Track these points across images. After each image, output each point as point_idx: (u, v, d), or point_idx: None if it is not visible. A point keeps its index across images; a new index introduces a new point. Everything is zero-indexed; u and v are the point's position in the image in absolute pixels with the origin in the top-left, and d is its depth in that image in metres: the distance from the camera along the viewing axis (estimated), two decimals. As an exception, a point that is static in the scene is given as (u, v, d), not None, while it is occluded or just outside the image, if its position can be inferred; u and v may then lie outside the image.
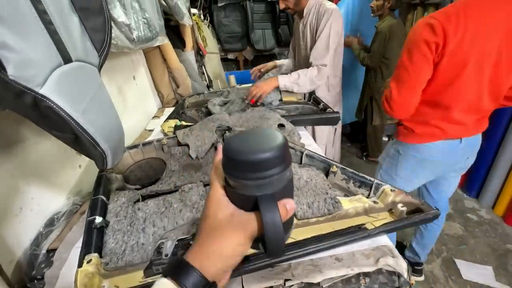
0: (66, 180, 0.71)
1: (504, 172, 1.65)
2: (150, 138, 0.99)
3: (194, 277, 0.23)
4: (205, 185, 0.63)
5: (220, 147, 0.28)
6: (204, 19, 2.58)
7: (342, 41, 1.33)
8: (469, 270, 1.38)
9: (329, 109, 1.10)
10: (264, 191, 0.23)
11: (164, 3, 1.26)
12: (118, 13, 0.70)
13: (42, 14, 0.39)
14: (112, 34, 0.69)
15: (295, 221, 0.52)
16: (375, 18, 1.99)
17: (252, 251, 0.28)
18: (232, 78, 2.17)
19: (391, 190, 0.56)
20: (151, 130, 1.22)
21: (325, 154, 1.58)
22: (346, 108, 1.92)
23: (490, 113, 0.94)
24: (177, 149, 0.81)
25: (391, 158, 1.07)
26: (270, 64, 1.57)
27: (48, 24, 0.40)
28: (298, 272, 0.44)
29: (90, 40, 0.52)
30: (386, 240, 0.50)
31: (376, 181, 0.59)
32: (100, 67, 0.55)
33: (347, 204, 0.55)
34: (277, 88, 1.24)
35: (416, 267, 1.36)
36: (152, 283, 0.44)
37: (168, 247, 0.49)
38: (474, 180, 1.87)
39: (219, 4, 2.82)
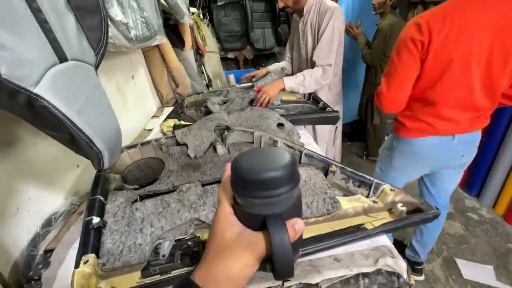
0: (64, 180, 0.71)
1: (505, 171, 1.65)
2: (149, 138, 0.99)
3: None
4: (203, 185, 0.62)
5: (229, 165, 0.28)
6: (204, 18, 2.58)
7: (343, 40, 1.32)
8: (469, 270, 1.38)
9: (329, 108, 1.10)
10: (273, 210, 0.23)
11: (164, 2, 1.26)
12: (115, 12, 0.69)
13: (37, 12, 0.39)
14: (109, 33, 0.69)
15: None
16: (376, 16, 1.98)
17: None
18: (232, 77, 2.16)
19: (390, 190, 0.55)
20: (150, 130, 1.22)
21: (326, 153, 1.59)
22: (346, 107, 1.91)
23: (489, 112, 0.93)
24: (175, 149, 0.80)
25: (388, 150, 1.12)
26: (263, 71, 1.54)
27: (43, 22, 0.39)
28: (297, 272, 0.43)
29: (87, 39, 0.52)
30: (385, 240, 0.50)
31: (375, 180, 0.58)
32: (97, 66, 0.55)
33: (346, 204, 0.54)
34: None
35: (416, 267, 1.36)
36: (148, 284, 0.44)
37: (166, 248, 0.48)
38: (474, 179, 1.87)
39: (219, 3, 2.81)
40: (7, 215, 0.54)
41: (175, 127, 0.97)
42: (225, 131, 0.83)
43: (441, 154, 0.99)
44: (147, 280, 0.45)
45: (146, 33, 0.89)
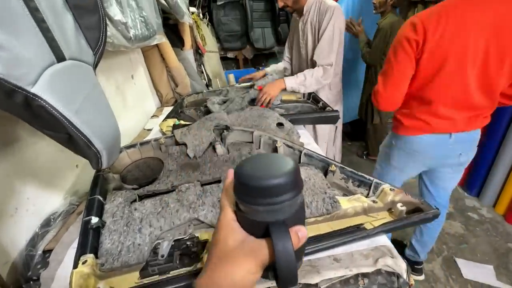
0: (63, 180, 0.71)
1: (505, 170, 1.64)
2: (148, 138, 0.99)
3: None
4: (202, 185, 0.62)
5: (231, 171, 0.28)
6: (203, 18, 2.57)
7: (343, 39, 1.32)
8: (470, 269, 1.37)
9: (329, 107, 1.09)
10: (276, 217, 0.23)
11: (163, 2, 1.25)
12: (114, 11, 0.69)
13: (34, 11, 0.38)
14: (108, 33, 0.68)
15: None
16: (375, 15, 1.97)
17: None
18: (232, 77, 2.16)
19: (390, 190, 0.55)
20: (150, 130, 1.22)
21: (326, 153, 1.59)
22: (346, 107, 1.90)
23: (488, 111, 0.93)
24: (174, 149, 0.80)
25: (387, 148, 1.13)
26: (260, 73, 1.53)
27: (40, 22, 0.39)
28: (296, 273, 0.43)
29: (85, 39, 0.51)
30: (385, 240, 0.49)
31: (375, 180, 0.58)
32: (95, 66, 0.55)
33: (346, 203, 0.54)
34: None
35: (416, 266, 1.36)
36: (147, 284, 0.44)
37: (165, 248, 0.48)
38: (475, 179, 1.86)
39: (218, 3, 2.81)
40: (5, 215, 0.53)
41: (175, 126, 0.97)
42: (225, 130, 0.83)
43: (438, 152, 1.00)
44: (146, 281, 0.45)
45: (145, 32, 0.89)
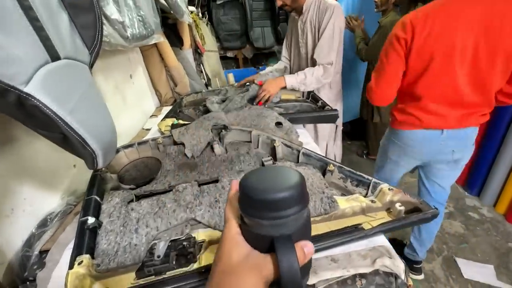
0: (60, 180, 0.70)
1: (506, 170, 1.64)
2: (147, 137, 0.98)
3: None
4: (199, 185, 0.62)
5: (235, 182, 0.28)
6: (203, 17, 2.57)
7: (343, 38, 1.31)
8: (470, 269, 1.37)
9: (328, 106, 1.09)
10: (281, 232, 0.22)
11: (163, 1, 1.25)
12: (111, 10, 0.69)
13: (28, 10, 0.38)
14: (105, 32, 0.68)
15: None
16: (376, 14, 1.96)
17: None
18: (231, 76, 2.15)
19: (389, 189, 0.55)
20: (149, 129, 1.21)
21: (327, 152, 1.58)
22: (346, 106, 1.89)
23: (484, 109, 0.93)
24: (172, 148, 0.80)
25: (385, 141, 1.17)
26: (256, 76, 1.52)
27: (33, 20, 0.39)
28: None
29: (80, 38, 0.51)
30: (383, 241, 0.49)
31: (373, 180, 0.58)
32: (91, 65, 0.54)
33: (344, 203, 0.54)
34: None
35: (415, 266, 1.35)
36: (143, 285, 0.43)
37: (161, 248, 0.48)
38: (475, 178, 1.86)
39: (218, 2, 2.80)
40: (1, 216, 0.53)
41: (173, 126, 0.97)
42: (223, 130, 0.83)
43: (430, 148, 1.02)
44: (142, 281, 0.44)
45: (143, 31, 0.89)
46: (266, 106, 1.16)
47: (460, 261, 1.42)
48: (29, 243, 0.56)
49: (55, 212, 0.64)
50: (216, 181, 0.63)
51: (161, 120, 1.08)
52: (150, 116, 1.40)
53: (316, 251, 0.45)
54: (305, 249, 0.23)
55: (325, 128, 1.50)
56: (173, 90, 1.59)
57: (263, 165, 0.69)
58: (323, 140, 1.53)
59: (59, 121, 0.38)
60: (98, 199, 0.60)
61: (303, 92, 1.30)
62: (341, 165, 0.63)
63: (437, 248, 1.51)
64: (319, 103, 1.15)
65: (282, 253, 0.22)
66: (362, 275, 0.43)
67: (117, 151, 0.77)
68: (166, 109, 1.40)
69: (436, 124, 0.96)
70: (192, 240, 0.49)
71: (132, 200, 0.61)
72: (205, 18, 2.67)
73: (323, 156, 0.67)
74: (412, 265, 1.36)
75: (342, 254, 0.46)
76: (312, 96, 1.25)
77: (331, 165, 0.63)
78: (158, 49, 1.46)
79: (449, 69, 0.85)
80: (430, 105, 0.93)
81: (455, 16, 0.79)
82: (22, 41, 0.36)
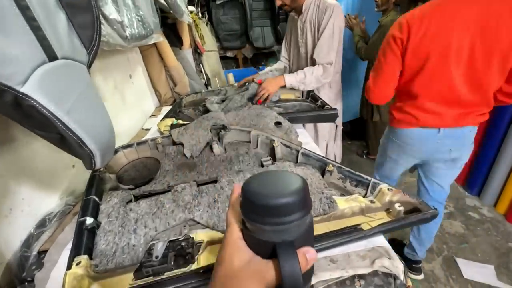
0: (59, 180, 0.70)
1: (506, 169, 1.63)
2: (146, 137, 0.98)
3: None
4: (198, 185, 0.62)
5: (237, 185, 0.28)
6: (203, 17, 2.56)
7: (342, 37, 1.31)
8: (470, 269, 1.36)
9: (327, 106, 1.09)
10: (283, 238, 0.22)
11: (162, 1, 1.24)
12: (109, 10, 0.69)
13: (24, 9, 0.38)
14: (103, 32, 0.68)
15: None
16: (376, 13, 1.96)
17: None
18: (231, 76, 2.15)
19: (388, 189, 0.54)
20: (148, 129, 1.21)
21: (327, 152, 1.58)
22: (346, 106, 1.89)
23: (482, 108, 0.94)
24: (171, 148, 0.80)
25: (385, 139, 1.19)
26: (255, 76, 1.52)
27: (30, 20, 0.38)
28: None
29: (78, 37, 0.51)
30: (382, 241, 0.49)
31: (373, 180, 0.58)
32: (89, 65, 0.54)
33: (343, 203, 0.54)
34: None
35: (414, 265, 1.35)
36: (141, 286, 0.43)
37: (159, 249, 0.48)
38: (475, 178, 1.85)
39: (218, 2, 2.80)
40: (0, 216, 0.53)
41: (173, 126, 0.96)
42: (222, 130, 0.82)
43: (427, 146, 1.03)
44: (140, 282, 0.44)
45: (142, 31, 0.88)
46: (265, 105, 1.15)
47: (460, 261, 1.41)
48: (28, 243, 0.56)
49: (54, 213, 0.64)
50: (215, 181, 0.63)
51: (161, 120, 1.07)
52: (150, 116, 1.39)
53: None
54: (307, 255, 0.23)
55: (325, 128, 1.50)
56: (173, 90, 1.59)
57: (262, 165, 0.69)
58: (323, 140, 1.53)
59: (56, 121, 0.38)
60: (97, 199, 0.60)
61: (302, 92, 1.30)
62: (340, 165, 0.62)
63: (437, 248, 1.51)
64: (319, 103, 1.14)
65: (284, 259, 0.22)
66: (361, 276, 0.42)
67: (116, 151, 0.77)
68: (166, 109, 1.40)
69: (433, 123, 0.96)
70: (190, 240, 0.49)
71: (130, 201, 0.61)
72: (205, 18, 2.67)
73: (322, 156, 0.66)
74: (411, 265, 1.35)
75: (341, 255, 0.46)
76: (311, 96, 1.25)
77: (330, 165, 0.62)
78: (157, 49, 1.46)
79: (444, 69, 0.86)
80: (427, 103, 0.94)
81: (451, 16, 0.80)
82: (19, 41, 0.36)
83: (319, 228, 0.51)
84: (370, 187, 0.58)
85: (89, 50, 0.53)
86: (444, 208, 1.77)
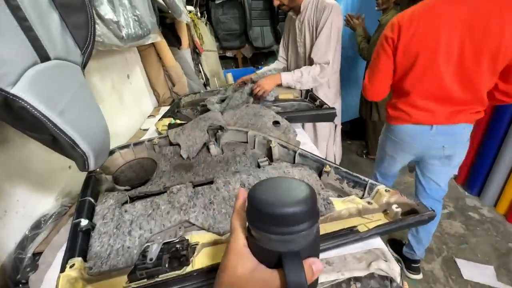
0: (55, 181, 0.70)
1: (507, 169, 1.62)
2: (144, 138, 0.98)
3: None
4: (194, 186, 0.61)
5: (242, 190, 0.27)
6: (202, 17, 2.56)
7: (341, 37, 1.30)
8: (470, 270, 1.36)
9: (326, 105, 1.08)
10: (289, 248, 0.22)
11: (161, 0, 1.24)
12: (105, 10, 0.68)
13: (15, 10, 0.37)
14: (99, 32, 0.67)
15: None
16: (375, 13, 1.95)
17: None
18: (230, 76, 2.15)
19: (385, 191, 0.54)
20: (146, 129, 1.21)
21: (327, 152, 1.57)
22: (346, 106, 1.88)
23: (476, 107, 0.94)
24: (168, 149, 0.79)
25: (383, 135, 1.22)
26: (253, 75, 1.52)
27: (21, 20, 0.38)
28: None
29: (72, 38, 0.50)
30: (379, 243, 0.48)
31: (370, 181, 0.57)
32: (84, 65, 0.54)
33: (340, 205, 0.53)
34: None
35: (413, 265, 1.34)
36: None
37: (153, 251, 0.47)
38: (476, 178, 1.84)
39: (217, 1, 2.79)
40: (-6, 218, 0.53)
41: (170, 126, 0.96)
42: (219, 130, 0.82)
43: (420, 143, 1.05)
44: (134, 285, 0.44)
45: (139, 31, 0.88)
46: (263, 104, 1.15)
47: (460, 262, 1.41)
48: (22, 245, 0.56)
49: (49, 214, 0.63)
50: (211, 182, 0.63)
51: (159, 120, 1.07)
52: (148, 116, 1.39)
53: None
54: (313, 266, 0.22)
55: (324, 128, 1.49)
56: (171, 90, 1.58)
57: (258, 166, 0.69)
58: (322, 140, 1.52)
59: (48, 122, 0.37)
60: (92, 200, 0.59)
61: (301, 91, 1.29)
62: (338, 166, 0.62)
63: (437, 249, 1.50)
64: (317, 102, 1.14)
65: (290, 270, 0.21)
66: (357, 279, 0.42)
67: (113, 152, 0.77)
68: (164, 109, 1.40)
69: (425, 120, 0.99)
70: (185, 242, 0.49)
71: (126, 202, 0.60)
72: (204, 17, 2.67)
73: (319, 157, 0.66)
74: (410, 264, 1.35)
75: (337, 257, 0.45)
76: (310, 96, 1.25)
77: (327, 166, 0.62)
78: (155, 48, 1.46)
79: (433, 66, 0.88)
80: (418, 101, 0.96)
81: (440, 16, 0.83)
82: (10, 42, 0.36)
83: (316, 230, 0.50)
84: (367, 188, 0.57)
85: (83, 51, 0.52)
86: (444, 208, 1.78)
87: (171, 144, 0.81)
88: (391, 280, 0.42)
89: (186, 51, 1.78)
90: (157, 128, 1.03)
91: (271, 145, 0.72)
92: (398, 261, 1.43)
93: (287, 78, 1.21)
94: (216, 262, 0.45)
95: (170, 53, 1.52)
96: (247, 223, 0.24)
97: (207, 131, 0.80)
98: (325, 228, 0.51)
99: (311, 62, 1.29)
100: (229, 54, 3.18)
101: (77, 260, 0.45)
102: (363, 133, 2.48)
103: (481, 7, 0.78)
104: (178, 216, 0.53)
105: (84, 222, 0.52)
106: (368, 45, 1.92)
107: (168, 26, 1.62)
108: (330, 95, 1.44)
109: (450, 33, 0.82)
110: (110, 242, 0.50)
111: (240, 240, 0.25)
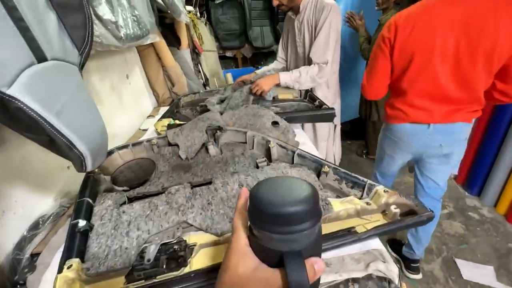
0: (54, 182, 0.70)
1: (507, 169, 1.62)
2: (143, 138, 0.98)
3: None
4: (192, 187, 0.61)
5: (244, 190, 0.27)
6: (201, 17, 2.56)
7: (340, 37, 1.30)
8: (469, 270, 1.36)
9: (325, 106, 1.08)
10: (291, 247, 0.22)
11: (160, 1, 1.24)
12: (103, 10, 0.68)
13: (12, 10, 0.37)
14: (97, 32, 0.67)
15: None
16: (375, 13, 1.94)
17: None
18: (229, 76, 2.14)
19: (384, 191, 0.54)
20: (145, 130, 1.21)
21: (326, 152, 1.57)
22: (346, 106, 1.88)
23: (473, 106, 0.95)
24: (167, 149, 0.79)
25: (381, 135, 1.23)
26: (251, 76, 1.51)
27: (18, 21, 0.38)
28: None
29: (70, 38, 0.50)
30: (377, 244, 0.48)
31: (369, 181, 0.57)
32: (82, 66, 0.54)
33: (338, 205, 0.53)
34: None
35: (412, 264, 1.34)
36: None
37: (151, 252, 0.47)
38: (476, 178, 1.84)
39: (217, 1, 2.79)
40: (-8, 218, 0.53)
41: (169, 126, 0.96)
42: (218, 131, 0.82)
43: (418, 141, 1.06)
44: (132, 286, 0.44)
45: (138, 32, 0.88)
46: (263, 105, 1.15)
47: (460, 262, 1.40)
48: (20, 246, 0.56)
49: (48, 214, 0.63)
50: (209, 183, 0.63)
51: (158, 120, 1.07)
52: (147, 117, 1.39)
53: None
54: (315, 266, 0.22)
55: (323, 128, 1.49)
56: (171, 90, 1.58)
57: (257, 166, 0.68)
58: (322, 140, 1.52)
59: (44, 123, 0.37)
60: (91, 201, 0.59)
61: (300, 92, 1.29)
62: (336, 167, 0.62)
63: (437, 249, 1.50)
64: (316, 103, 1.14)
65: (292, 269, 0.21)
66: (355, 280, 0.42)
67: (111, 152, 0.77)
68: (164, 109, 1.40)
69: (422, 118, 1.00)
70: (183, 243, 0.49)
71: (124, 203, 0.60)
72: (204, 17, 2.66)
73: (318, 157, 0.66)
74: (409, 264, 1.35)
75: (335, 258, 0.45)
76: (309, 96, 1.24)
77: (326, 166, 0.62)
78: (155, 49, 1.46)
79: (429, 66, 0.89)
80: (415, 100, 0.98)
81: (435, 16, 0.84)
82: (6, 42, 0.36)
83: (314, 231, 0.50)
84: (366, 188, 0.57)
85: (81, 51, 0.52)
86: (444, 209, 1.77)
87: (169, 144, 0.81)
88: (389, 281, 0.42)
89: (185, 51, 1.78)
90: (156, 129, 1.03)
91: (269, 145, 0.72)
92: (397, 261, 1.43)
93: (285, 78, 1.21)
94: (214, 263, 0.45)
95: (170, 53, 1.52)
96: (248, 223, 0.24)
97: (205, 131, 0.80)
98: (323, 228, 0.51)
99: (310, 62, 1.29)
100: (228, 54, 3.18)
101: (75, 261, 0.45)
102: (363, 133, 2.48)
103: (476, 8, 0.79)
104: (176, 217, 0.53)
105: (82, 223, 0.52)
106: (369, 46, 1.91)
107: (167, 26, 1.62)
108: (329, 95, 1.43)
109: (445, 33, 0.83)
110: (108, 243, 0.50)
111: (241, 240, 0.25)
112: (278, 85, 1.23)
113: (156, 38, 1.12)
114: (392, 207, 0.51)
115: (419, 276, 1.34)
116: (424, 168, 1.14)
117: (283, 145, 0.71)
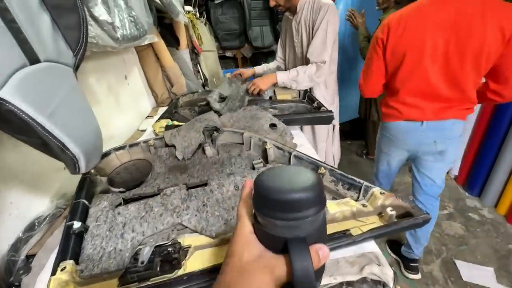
0: (50, 183, 0.70)
1: (507, 170, 1.61)
2: (142, 138, 0.98)
3: None
4: (188, 188, 0.61)
5: (249, 181, 0.27)
6: (201, 17, 2.55)
7: (337, 37, 1.30)
8: (469, 271, 1.35)
9: (323, 107, 1.07)
10: (295, 234, 0.22)
11: (158, 1, 1.24)
12: (99, 11, 0.68)
13: (3, 12, 0.37)
14: (92, 33, 0.67)
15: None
16: (375, 13, 1.93)
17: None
18: (229, 76, 2.13)
19: (380, 193, 0.53)
20: (144, 130, 1.21)
21: (326, 153, 1.57)
22: (346, 106, 1.87)
23: (465, 104, 0.97)
24: (163, 150, 0.79)
25: (379, 134, 1.27)
26: (249, 71, 1.50)
27: (10, 22, 0.38)
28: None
29: (64, 39, 0.50)
30: (373, 247, 0.48)
31: (365, 183, 0.56)
32: (76, 67, 0.54)
33: (334, 207, 0.52)
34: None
35: (411, 264, 1.34)
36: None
37: (145, 254, 0.47)
38: (476, 178, 1.83)
39: (216, 1, 2.78)
40: (-13, 220, 0.53)
41: (167, 127, 0.96)
42: (215, 132, 0.81)
43: (412, 138, 1.08)
44: (125, 288, 0.43)
45: (135, 32, 0.88)
46: (261, 106, 1.14)
47: (459, 263, 1.40)
48: (16, 247, 0.56)
49: (44, 216, 0.63)
50: (205, 184, 0.62)
51: (156, 121, 1.07)
52: (146, 117, 1.39)
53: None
54: (320, 252, 0.22)
55: (322, 129, 1.49)
56: (170, 91, 1.58)
57: (253, 168, 0.68)
58: (321, 141, 1.51)
59: (36, 125, 0.37)
60: (86, 202, 0.59)
61: (299, 92, 1.28)
62: (333, 168, 0.61)
63: (436, 250, 1.49)
64: (315, 104, 1.13)
65: (296, 255, 0.21)
66: (349, 283, 0.41)
67: (108, 153, 0.77)
68: (163, 109, 1.40)
69: (415, 116, 1.02)
70: (177, 245, 0.48)
71: (120, 204, 0.60)
72: (203, 17, 2.66)
73: (314, 159, 0.65)
74: (408, 264, 1.34)
75: (329, 261, 0.45)
76: (308, 96, 1.24)
77: (322, 168, 0.61)
78: (153, 49, 1.46)
79: (420, 66, 0.92)
80: (408, 98, 1.01)
81: (426, 18, 0.86)
82: (-3, 44, 0.35)
83: (309, 233, 0.50)
84: (362, 190, 0.57)
85: (76, 52, 0.52)
86: (444, 209, 1.76)
87: (166, 145, 0.81)
88: (384, 285, 0.41)
89: (184, 52, 1.78)
90: (154, 130, 1.03)
91: (266, 146, 0.71)
92: (396, 261, 1.43)
93: (282, 77, 1.21)
94: (208, 265, 0.44)
95: (168, 54, 1.52)
96: (253, 211, 0.25)
97: (203, 132, 0.80)
98: (318, 231, 0.51)
99: (308, 62, 1.29)
100: (228, 54, 3.18)
101: (69, 263, 0.45)
102: (362, 133, 2.47)
103: (466, 9, 0.81)
104: (171, 218, 0.53)
105: (76, 224, 0.51)
106: (368, 45, 1.90)
107: (166, 27, 1.61)
108: (327, 95, 1.43)
109: (435, 33, 0.86)
110: (103, 245, 0.50)
111: (246, 227, 0.25)
112: (275, 84, 1.22)
113: (154, 38, 1.12)
114: (388, 209, 0.51)
115: (418, 276, 1.34)
116: (420, 166, 1.16)
117: (279, 147, 0.71)
